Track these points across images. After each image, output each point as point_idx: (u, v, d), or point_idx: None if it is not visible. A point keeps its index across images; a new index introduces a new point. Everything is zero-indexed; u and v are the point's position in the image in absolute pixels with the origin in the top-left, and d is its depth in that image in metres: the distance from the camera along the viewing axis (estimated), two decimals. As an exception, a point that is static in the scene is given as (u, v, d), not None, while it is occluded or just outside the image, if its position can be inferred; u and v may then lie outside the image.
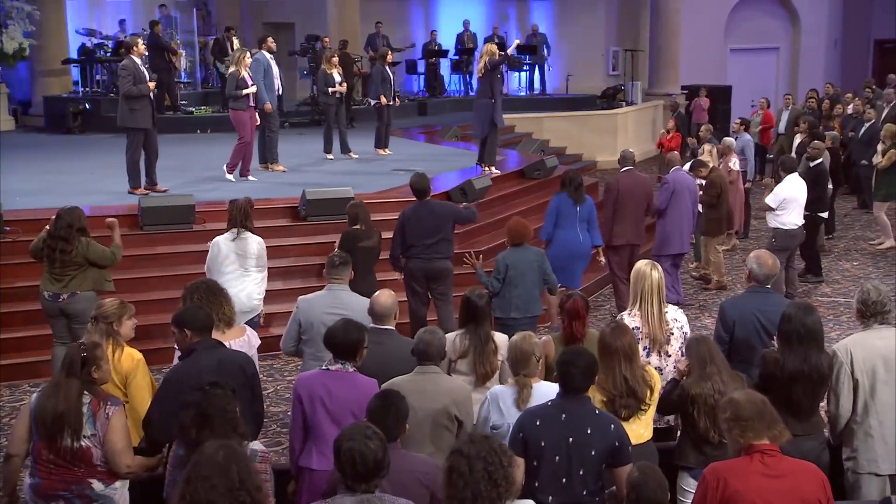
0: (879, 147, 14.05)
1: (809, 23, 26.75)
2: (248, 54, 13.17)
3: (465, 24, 23.65)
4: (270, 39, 13.67)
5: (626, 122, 22.76)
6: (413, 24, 25.10)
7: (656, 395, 5.35)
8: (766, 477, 4.13)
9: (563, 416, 4.69)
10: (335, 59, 15.02)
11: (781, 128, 19.71)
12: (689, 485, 5.33)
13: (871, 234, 14.85)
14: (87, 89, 19.59)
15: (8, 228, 10.14)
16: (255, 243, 8.25)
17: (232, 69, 13.05)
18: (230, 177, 12.88)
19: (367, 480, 3.90)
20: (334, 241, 10.48)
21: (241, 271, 8.15)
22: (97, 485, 4.95)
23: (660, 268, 6.32)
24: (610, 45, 26.23)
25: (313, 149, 15.53)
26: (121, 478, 5.02)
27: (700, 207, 11.68)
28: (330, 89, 14.71)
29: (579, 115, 21.88)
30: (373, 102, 15.31)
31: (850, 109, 18.61)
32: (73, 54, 20.17)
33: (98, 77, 19.82)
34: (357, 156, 15.11)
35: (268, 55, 13.49)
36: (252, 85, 12.87)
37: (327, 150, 15.07)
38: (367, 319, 6.52)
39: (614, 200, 10.47)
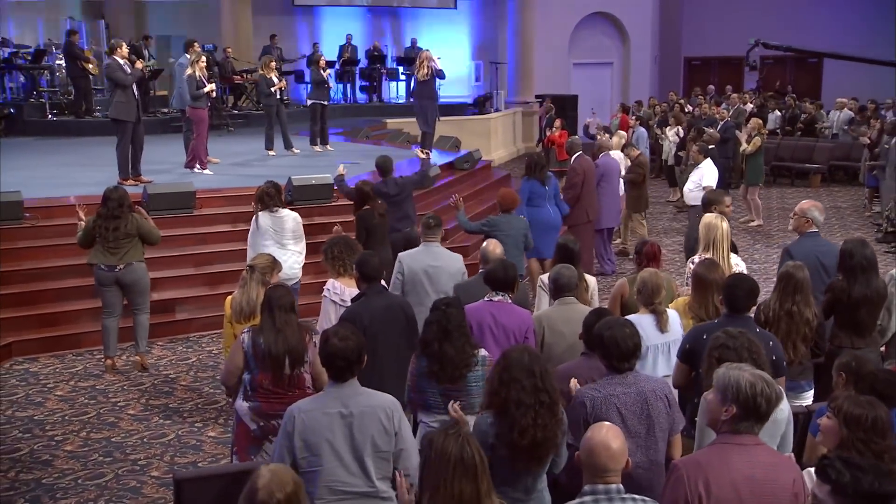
0: (744, 138, 15.32)
1: (636, 41, 28.35)
2: (203, 58, 13.17)
3: (348, 38, 23.88)
4: (229, 49, 13.66)
5: (497, 125, 23.67)
6: (299, 38, 25.07)
7: None
8: None
9: None
10: (273, 64, 15.24)
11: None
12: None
13: (736, 214, 16.10)
14: (6, 95, 18.72)
15: (27, 215, 9.85)
16: (290, 219, 8.38)
17: (189, 71, 13.00)
18: (207, 171, 12.82)
19: (629, 359, 4.28)
20: (319, 223, 10.75)
21: (278, 245, 8.29)
22: None
23: (727, 220, 6.87)
24: (474, 58, 27.02)
25: (251, 147, 15.57)
26: None
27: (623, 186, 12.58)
28: (272, 88, 14.83)
29: (458, 120, 22.41)
30: (309, 103, 15.44)
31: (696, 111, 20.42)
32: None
33: (11, 84, 18.96)
34: (298, 151, 15.22)
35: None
36: (209, 84, 12.92)
37: (269, 147, 15.12)
38: (456, 269, 6.99)
39: (583, 182, 10.98)
